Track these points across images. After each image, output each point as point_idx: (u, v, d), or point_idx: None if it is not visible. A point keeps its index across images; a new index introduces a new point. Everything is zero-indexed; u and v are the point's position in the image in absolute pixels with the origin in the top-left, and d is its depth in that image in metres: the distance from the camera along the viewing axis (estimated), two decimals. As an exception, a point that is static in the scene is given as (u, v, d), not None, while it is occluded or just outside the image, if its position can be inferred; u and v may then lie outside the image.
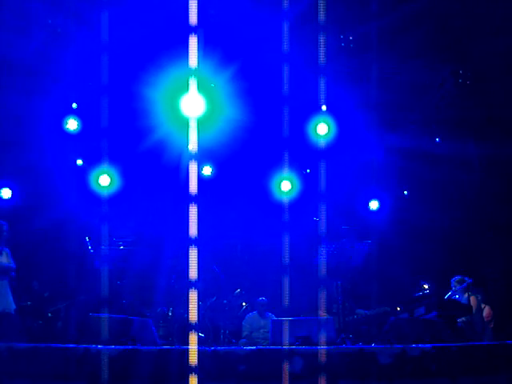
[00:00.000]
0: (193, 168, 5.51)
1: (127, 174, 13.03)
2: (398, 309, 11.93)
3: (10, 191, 13.01)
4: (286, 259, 8.36)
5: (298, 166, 13.56)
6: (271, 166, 13.17)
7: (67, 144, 13.08)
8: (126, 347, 7.71)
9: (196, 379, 5.33)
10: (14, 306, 10.01)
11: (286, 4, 9.38)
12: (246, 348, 7.84)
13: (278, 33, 9.97)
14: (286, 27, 9.20)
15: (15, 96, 12.08)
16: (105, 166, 12.46)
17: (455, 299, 10.88)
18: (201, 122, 5.71)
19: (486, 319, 11.80)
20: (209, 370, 6.93)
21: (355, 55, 12.74)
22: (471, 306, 10.61)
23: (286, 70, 9.82)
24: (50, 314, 12.07)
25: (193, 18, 5.61)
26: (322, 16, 8.06)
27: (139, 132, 12.95)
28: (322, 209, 8.43)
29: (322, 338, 8.92)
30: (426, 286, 12.08)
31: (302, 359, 7.24)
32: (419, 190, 14.81)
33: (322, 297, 9.35)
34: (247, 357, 7.27)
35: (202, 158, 12.86)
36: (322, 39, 8.14)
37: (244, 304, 12.69)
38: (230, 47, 12.08)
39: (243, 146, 13.54)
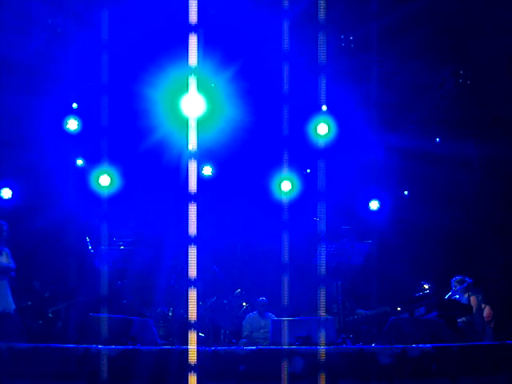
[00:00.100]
0: (192, 167, 5.50)
1: (127, 174, 13.03)
2: (399, 309, 11.93)
3: (11, 191, 13.01)
4: (286, 259, 8.37)
5: (298, 165, 13.55)
6: (271, 166, 13.16)
7: (67, 144, 13.08)
8: (126, 347, 7.71)
9: (195, 378, 5.32)
10: (13, 306, 10.00)
11: (286, 4, 9.39)
12: (246, 348, 7.84)
13: (279, 33, 9.98)
14: (286, 27, 9.21)
15: (15, 96, 12.08)
16: (105, 166, 12.46)
17: (455, 299, 10.88)
18: (201, 122, 5.72)
19: (486, 319, 11.79)
20: (209, 369, 6.93)
21: (355, 55, 12.74)
22: (471, 306, 10.61)
23: (286, 69, 9.82)
24: (50, 315, 12.07)
25: (193, 17, 5.61)
26: (322, 15, 8.06)
27: (139, 132, 12.95)
28: (322, 209, 8.42)
29: (322, 338, 8.92)
30: (426, 286, 12.08)
31: (302, 359, 7.24)
32: (419, 190, 14.81)
33: (322, 297, 9.34)
34: (247, 357, 7.27)
35: (202, 158, 12.86)
36: (322, 38, 8.14)
37: (244, 304, 12.69)
38: (230, 47, 12.08)
39: (243, 146, 13.54)
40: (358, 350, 7.65)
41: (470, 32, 12.09)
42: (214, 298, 11.89)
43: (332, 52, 11.66)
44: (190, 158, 5.49)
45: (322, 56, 8.27)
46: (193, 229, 5.41)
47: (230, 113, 12.63)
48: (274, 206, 12.86)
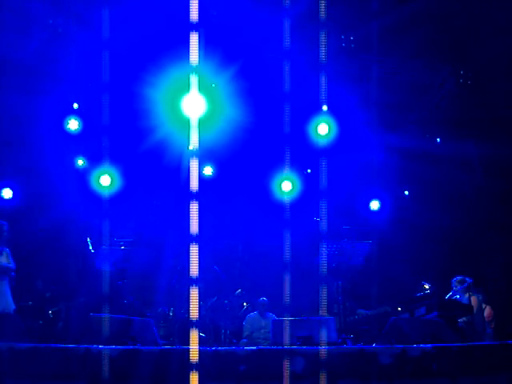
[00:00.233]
0: (193, 165, 5.50)
1: (128, 175, 13.04)
2: (399, 309, 11.93)
3: (11, 191, 13.02)
4: (287, 258, 8.37)
5: (298, 166, 13.57)
6: (272, 166, 13.18)
7: (68, 144, 13.09)
8: (127, 347, 7.71)
9: (197, 377, 5.32)
10: (13, 307, 10.01)
11: (287, 3, 9.39)
12: (246, 348, 7.84)
13: (279, 33, 9.98)
14: (286, 27, 9.21)
15: (16, 96, 12.08)
16: (105, 166, 12.47)
17: (456, 299, 10.88)
18: (202, 122, 5.71)
19: (486, 319, 11.80)
20: (210, 370, 6.93)
21: (356, 55, 12.75)
22: (472, 306, 10.61)
23: (286, 70, 9.82)
24: (51, 315, 12.07)
25: (193, 15, 5.60)
26: (322, 14, 8.06)
27: (140, 132, 12.96)
28: (323, 209, 8.42)
29: (323, 338, 8.92)
30: (426, 286, 12.06)
31: (303, 359, 7.24)
32: (420, 190, 14.82)
33: (323, 297, 9.35)
34: (248, 357, 7.28)
35: (203, 158, 12.87)
36: (322, 37, 8.13)
37: (245, 304, 12.70)
38: (231, 47, 12.08)
39: (244, 146, 13.55)
40: (358, 350, 7.65)
41: (470, 32, 12.09)
42: (215, 298, 11.89)
43: (332, 52, 11.66)
44: (192, 156, 5.48)
45: (323, 55, 8.27)
46: (194, 227, 5.40)
47: (231, 113, 12.64)
48: (275, 206, 12.87)
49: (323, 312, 10.05)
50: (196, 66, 5.59)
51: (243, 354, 7.31)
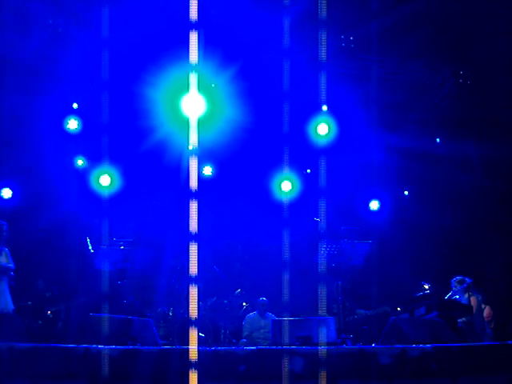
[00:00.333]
0: (193, 164, 5.49)
1: (128, 174, 13.04)
2: (399, 309, 11.93)
3: (11, 191, 13.02)
4: (287, 258, 8.37)
5: (298, 166, 13.57)
6: (272, 166, 13.18)
7: (68, 144, 13.09)
8: (127, 347, 7.71)
9: (196, 375, 5.32)
10: (12, 306, 10.00)
11: (286, 4, 9.39)
12: (246, 348, 7.84)
13: (279, 33, 9.98)
14: (286, 26, 9.21)
15: (16, 96, 12.08)
16: (105, 166, 12.47)
17: (455, 299, 10.88)
18: (201, 122, 5.71)
19: (486, 319, 11.80)
20: (209, 369, 6.92)
21: (356, 55, 12.75)
22: (471, 306, 10.61)
23: (286, 69, 9.82)
24: (50, 315, 12.07)
25: (193, 14, 5.60)
26: (322, 12, 8.05)
27: (140, 132, 12.96)
28: (323, 209, 8.42)
29: (323, 338, 8.92)
30: (426, 286, 12.07)
31: (303, 359, 7.23)
32: (419, 190, 14.83)
33: (323, 297, 9.34)
34: (247, 357, 7.27)
35: (203, 158, 12.86)
36: (322, 36, 8.13)
37: (244, 304, 12.70)
38: (231, 47, 12.08)
39: (244, 146, 13.55)
40: (358, 350, 7.64)
41: (469, 32, 12.09)
42: (215, 298, 11.89)
43: (332, 52, 11.67)
44: (191, 155, 5.47)
45: (323, 54, 8.26)
46: (194, 226, 5.39)
47: (230, 113, 12.64)
48: (275, 206, 12.88)
49: (323, 312, 10.05)
50: (195, 65, 5.59)
51: (243, 354, 7.30)
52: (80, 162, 13.30)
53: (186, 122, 5.72)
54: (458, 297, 10.95)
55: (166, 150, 12.61)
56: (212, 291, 11.89)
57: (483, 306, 11.91)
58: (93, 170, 12.99)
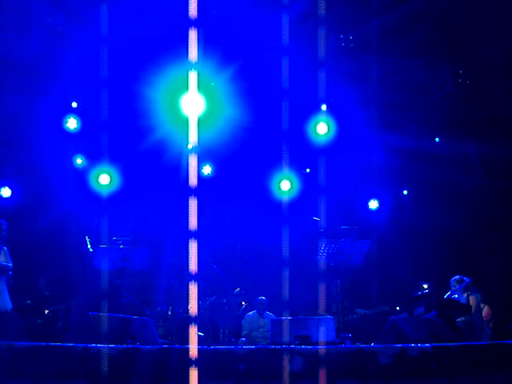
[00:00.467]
0: (193, 161, 5.49)
1: (127, 174, 13.04)
2: (398, 308, 11.94)
3: (10, 190, 13.02)
4: (286, 257, 8.37)
5: (297, 165, 13.57)
6: (271, 165, 13.18)
7: (67, 143, 13.09)
8: (126, 346, 7.71)
9: (196, 372, 5.31)
10: (10, 305, 10.00)
11: (286, 3, 9.38)
12: (245, 347, 7.84)
13: (278, 32, 9.97)
14: (285, 25, 9.20)
15: (16, 95, 12.08)
16: (105, 165, 12.47)
17: (454, 299, 10.88)
18: (200, 121, 5.71)
19: (485, 319, 11.80)
20: (208, 368, 6.92)
21: (355, 55, 12.75)
22: (470, 306, 10.61)
23: (285, 69, 9.82)
24: (49, 314, 12.06)
25: (193, 12, 5.59)
26: (321, 10, 8.05)
27: (139, 131, 12.96)
28: (322, 208, 8.42)
29: (322, 337, 8.92)
30: (425, 286, 12.08)
31: (302, 358, 7.23)
32: (419, 190, 14.83)
33: (322, 296, 9.34)
34: (247, 356, 7.27)
35: (202, 157, 12.86)
36: (321, 34, 8.12)
37: (243, 303, 12.70)
38: (230, 46, 12.08)
39: (243, 145, 13.55)
40: (357, 349, 7.64)
41: (469, 32, 12.09)
42: (214, 297, 11.89)
43: (332, 51, 11.68)
44: (191, 152, 5.47)
45: (322, 51, 8.26)
46: (193, 223, 5.39)
47: (230, 112, 12.64)
48: (274, 205, 12.88)
49: (322, 311, 10.06)
50: (195, 63, 5.58)
51: (242, 353, 7.30)
52: (79, 161, 13.30)
53: (185, 121, 5.72)
54: (456, 296, 10.95)
55: (166, 149, 12.61)
56: (211, 290, 11.89)
57: (482, 305, 11.91)
58: (92, 169, 12.99)
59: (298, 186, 13.38)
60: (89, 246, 11.35)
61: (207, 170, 13.90)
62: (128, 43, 11.91)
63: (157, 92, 12.10)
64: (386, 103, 13.29)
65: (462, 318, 10.63)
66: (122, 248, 10.87)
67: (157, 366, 7.13)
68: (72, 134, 13.03)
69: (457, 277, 11.08)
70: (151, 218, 14.00)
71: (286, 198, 12.80)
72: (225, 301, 11.95)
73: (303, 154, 13.09)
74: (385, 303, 12.35)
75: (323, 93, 10.68)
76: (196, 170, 5.49)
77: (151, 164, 13.39)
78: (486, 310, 12.16)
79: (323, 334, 9.02)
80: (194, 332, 5.40)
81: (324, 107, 12.75)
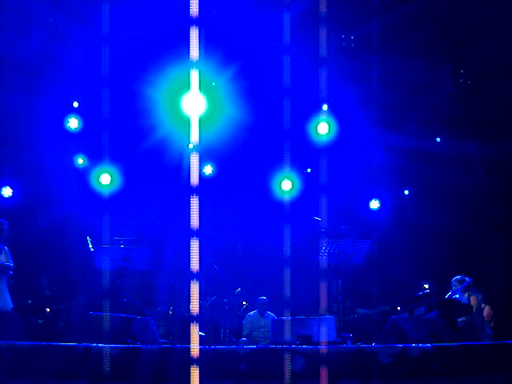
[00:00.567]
0: (194, 160, 5.48)
1: (128, 173, 13.05)
2: (399, 308, 11.93)
3: (11, 190, 13.03)
4: (287, 257, 8.37)
5: (298, 165, 13.57)
6: (272, 165, 13.18)
7: (68, 143, 13.09)
8: (127, 346, 7.71)
9: (197, 371, 5.31)
10: (11, 305, 10.01)
11: (287, 2, 9.39)
12: (246, 347, 7.84)
13: (279, 32, 9.99)
14: (286, 26, 9.21)
15: (17, 95, 12.09)
16: (106, 165, 12.48)
17: (455, 299, 10.88)
18: (202, 121, 5.71)
19: (486, 319, 11.80)
20: (209, 368, 6.92)
21: (356, 55, 12.75)
22: (471, 306, 10.61)
23: (286, 68, 9.82)
24: (50, 313, 12.07)
25: (194, 10, 5.59)
26: (323, 10, 8.04)
27: (140, 131, 12.97)
28: (323, 208, 8.43)
29: (323, 337, 8.92)
30: (426, 286, 12.08)
31: (303, 358, 7.24)
32: (420, 190, 14.83)
33: (323, 296, 9.34)
34: (248, 356, 7.27)
35: (203, 156, 12.86)
36: (322, 33, 8.12)
37: (244, 303, 12.70)
38: (231, 46, 12.08)
39: (244, 145, 13.56)
40: (358, 349, 7.64)
41: (470, 31, 12.09)
42: (215, 297, 11.89)
43: (333, 51, 11.68)
44: (192, 152, 5.47)
45: (323, 51, 8.26)
46: (195, 222, 5.38)
47: (231, 112, 12.64)
48: (275, 205, 12.88)
49: (323, 311, 10.06)
50: (196, 62, 5.58)
51: (243, 353, 7.31)
52: (80, 161, 13.31)
53: (186, 121, 5.72)
54: (457, 296, 10.95)
55: (167, 148, 12.62)
56: (212, 290, 11.89)
57: (483, 305, 11.91)
58: (93, 169, 12.99)
59: (299, 185, 13.38)
60: (90, 246, 11.37)
61: (208, 169, 13.90)
62: (129, 43, 11.91)
63: (158, 92, 12.11)
64: (387, 103, 13.29)
65: (463, 318, 10.63)
66: (123, 248, 10.89)
67: (157, 365, 7.13)
68: (73, 133, 13.03)
69: (458, 277, 11.08)
70: (152, 217, 14.01)
71: (287, 198, 12.80)
72: (226, 301, 11.95)
73: (304, 154, 13.09)
74: (386, 303, 12.34)
75: (324, 92, 10.67)
76: (197, 168, 5.49)
77: (152, 164, 13.40)
78: (487, 310, 12.16)
79: (324, 333, 9.02)
80: (195, 331, 5.39)
81: (325, 107, 12.75)
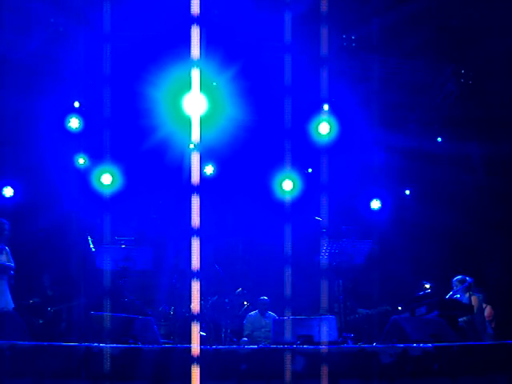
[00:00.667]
0: (195, 159, 5.48)
1: (129, 173, 13.06)
2: (400, 308, 11.93)
3: (13, 190, 13.03)
4: (288, 257, 8.37)
5: (299, 165, 13.57)
6: (273, 165, 13.19)
7: (69, 143, 13.10)
8: (128, 346, 7.71)
9: (198, 370, 5.31)
10: (12, 305, 10.01)
11: (288, 2, 9.39)
12: (247, 347, 7.84)
13: (281, 32, 9.99)
14: (288, 26, 9.21)
15: (18, 95, 12.09)
16: (107, 165, 12.48)
17: (456, 299, 10.88)
18: (203, 121, 5.71)
19: (487, 319, 11.80)
20: (210, 368, 6.92)
21: (357, 54, 12.75)
22: (472, 306, 10.61)
23: (288, 68, 9.82)
24: (51, 311, 12.07)
25: (195, 9, 5.59)
26: (324, 8, 8.05)
27: (141, 131, 12.97)
28: (324, 208, 8.43)
29: (324, 337, 8.92)
30: (427, 286, 12.08)
31: (304, 358, 7.23)
32: (421, 190, 14.83)
33: (324, 296, 9.34)
34: (249, 356, 7.26)
35: (204, 156, 12.87)
36: (323, 33, 8.13)
37: (245, 303, 12.70)
38: (232, 46, 12.09)
39: (245, 145, 13.56)
40: (359, 349, 7.64)
41: (471, 31, 12.09)
42: (216, 297, 11.89)
43: (334, 51, 11.68)
44: (193, 151, 5.47)
45: (324, 49, 8.26)
46: (196, 221, 5.38)
47: (232, 112, 12.65)
48: (276, 205, 12.88)
49: (324, 311, 10.06)
50: (197, 61, 5.58)
51: (244, 353, 7.30)
52: (81, 161, 13.31)
53: (187, 121, 5.72)
54: (458, 296, 10.95)
55: (168, 148, 12.62)
56: (213, 290, 11.90)
57: (484, 305, 11.91)
58: (94, 169, 13.00)
59: (300, 185, 13.39)
60: (91, 246, 11.37)
61: (209, 169, 13.90)
62: (130, 43, 11.91)
63: (159, 92, 12.11)
64: (387, 103, 13.30)
65: (464, 318, 10.63)
66: (125, 248, 10.88)
67: (159, 365, 7.13)
68: (74, 133, 13.03)
69: (459, 277, 11.08)
70: (153, 217, 14.01)
71: (288, 198, 12.81)
72: (227, 301, 11.96)
73: (305, 154, 13.10)
74: (387, 303, 12.35)
75: (325, 92, 10.68)
76: (198, 167, 5.49)
77: (153, 164, 13.40)
78: (488, 310, 12.16)
79: (325, 333, 9.02)
80: (195, 329, 5.39)
81: (326, 107, 12.75)
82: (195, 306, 5.41)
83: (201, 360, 5.44)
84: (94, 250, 11.29)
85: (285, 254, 8.80)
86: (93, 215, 12.75)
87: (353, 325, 11.66)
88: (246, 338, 11.71)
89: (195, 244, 5.34)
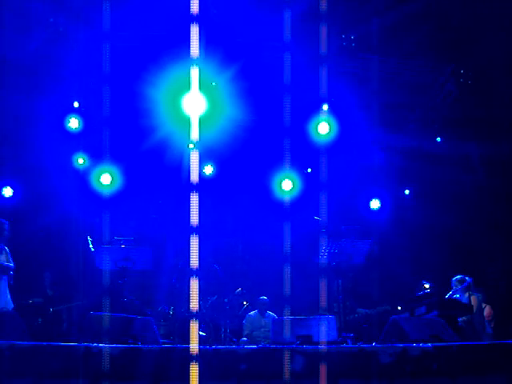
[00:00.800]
0: (194, 158, 5.48)
1: (129, 173, 13.05)
2: (399, 308, 11.94)
3: (12, 190, 13.03)
4: (287, 257, 8.37)
5: (299, 165, 13.57)
6: (272, 165, 13.19)
7: (69, 143, 13.10)
8: (128, 346, 7.71)
9: (197, 367, 5.31)
10: (12, 305, 10.01)
11: (287, 2, 9.39)
12: (246, 347, 7.83)
13: (280, 32, 9.99)
14: (287, 26, 9.21)
15: (17, 95, 12.09)
16: (106, 165, 12.48)
17: (456, 299, 10.88)
18: (202, 121, 5.71)
19: (486, 319, 11.81)
20: (210, 368, 6.92)
21: (356, 54, 12.75)
22: (472, 306, 10.61)
23: (287, 68, 9.82)
24: (51, 310, 12.08)
25: (194, 8, 5.59)
26: (323, 7, 8.05)
27: (141, 131, 12.97)
28: (323, 208, 8.42)
29: (323, 336, 8.92)
30: (426, 286, 12.08)
31: (303, 358, 7.23)
32: (420, 190, 14.83)
33: (323, 296, 9.34)
34: (248, 356, 7.26)
35: (203, 156, 12.87)
36: (323, 33, 8.13)
37: (245, 303, 12.70)
38: (232, 46, 12.09)
39: (244, 145, 13.56)
40: (358, 348, 7.63)
41: (470, 31, 12.09)
42: (215, 297, 11.90)
43: (333, 51, 11.68)
44: (193, 149, 5.47)
45: (324, 49, 8.26)
46: (195, 219, 5.38)
47: (231, 112, 12.65)
48: (275, 205, 12.89)
49: (323, 311, 10.06)
50: (196, 59, 5.58)
51: (243, 353, 7.29)
52: (81, 161, 13.30)
53: (187, 121, 5.72)
54: (458, 296, 10.95)
55: (167, 148, 12.62)
56: (213, 290, 11.90)
57: (484, 305, 11.91)
58: (94, 169, 13.00)
59: (299, 185, 13.39)
60: (90, 246, 11.36)
61: (209, 169, 13.90)
62: (129, 43, 11.91)
63: (158, 92, 12.11)
64: (387, 103, 13.30)
65: (464, 318, 10.63)
66: (124, 248, 10.88)
67: (158, 365, 7.13)
68: (73, 133, 13.03)
69: (458, 276, 11.08)
70: (153, 217, 14.01)
71: (287, 198, 12.81)
72: (226, 300, 11.97)
73: (305, 154, 13.10)
74: (386, 303, 12.36)
75: (325, 92, 10.68)
76: (197, 166, 5.49)
77: (153, 164, 13.40)
78: (487, 310, 12.16)
79: (325, 333, 9.01)
80: (194, 329, 5.39)
81: (325, 107, 12.75)
82: (194, 304, 5.41)
83: (200, 360, 5.44)
84: (93, 249, 11.29)
85: (284, 253, 8.80)
86: (92, 215, 12.75)
87: (352, 325, 11.66)
88: (245, 338, 11.71)
89: (194, 242, 5.34)
